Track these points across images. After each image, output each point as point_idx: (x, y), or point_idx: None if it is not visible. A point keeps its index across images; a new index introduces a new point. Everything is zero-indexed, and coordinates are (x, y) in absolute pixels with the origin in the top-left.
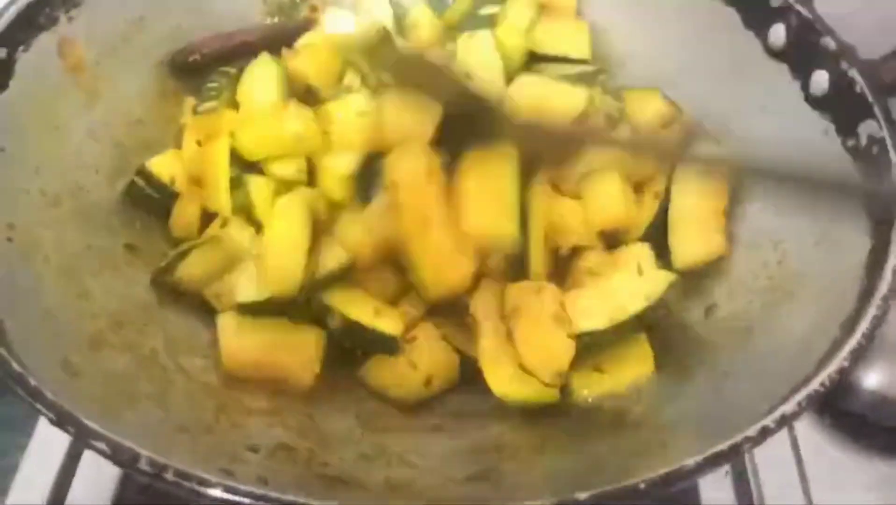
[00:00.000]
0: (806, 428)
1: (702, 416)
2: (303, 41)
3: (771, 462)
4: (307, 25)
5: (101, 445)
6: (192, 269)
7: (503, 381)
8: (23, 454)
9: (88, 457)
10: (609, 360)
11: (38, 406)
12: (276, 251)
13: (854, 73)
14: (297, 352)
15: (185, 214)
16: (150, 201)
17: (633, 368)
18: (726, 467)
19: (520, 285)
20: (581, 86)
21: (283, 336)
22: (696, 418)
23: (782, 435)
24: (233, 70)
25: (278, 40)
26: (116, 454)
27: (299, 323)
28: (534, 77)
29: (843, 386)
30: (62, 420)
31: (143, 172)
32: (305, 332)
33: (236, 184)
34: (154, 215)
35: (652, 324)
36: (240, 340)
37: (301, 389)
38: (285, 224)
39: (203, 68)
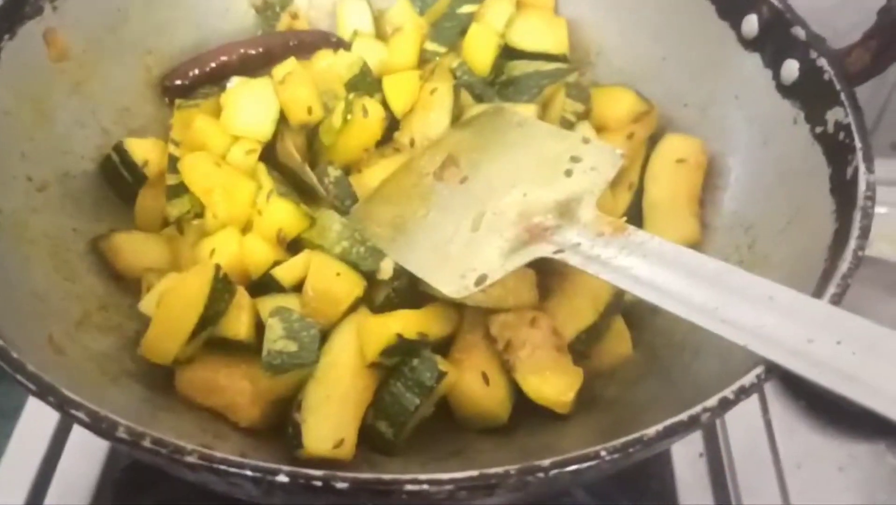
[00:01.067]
0: (779, 410)
1: (671, 393)
2: (281, 70)
3: (745, 443)
4: (287, 40)
5: (81, 415)
6: (132, 247)
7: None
8: (7, 442)
9: (72, 445)
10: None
11: (20, 378)
12: (160, 324)
13: (823, 62)
14: (237, 392)
15: (147, 205)
16: (121, 182)
17: (612, 351)
18: (701, 449)
19: (508, 316)
20: (535, 103)
21: (226, 371)
22: (666, 395)
23: (756, 417)
24: (216, 88)
25: (258, 61)
26: (95, 423)
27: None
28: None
29: None
30: (43, 391)
31: (118, 148)
32: (242, 378)
33: (176, 192)
34: (125, 201)
35: (626, 308)
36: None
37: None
38: (183, 296)
39: (189, 90)
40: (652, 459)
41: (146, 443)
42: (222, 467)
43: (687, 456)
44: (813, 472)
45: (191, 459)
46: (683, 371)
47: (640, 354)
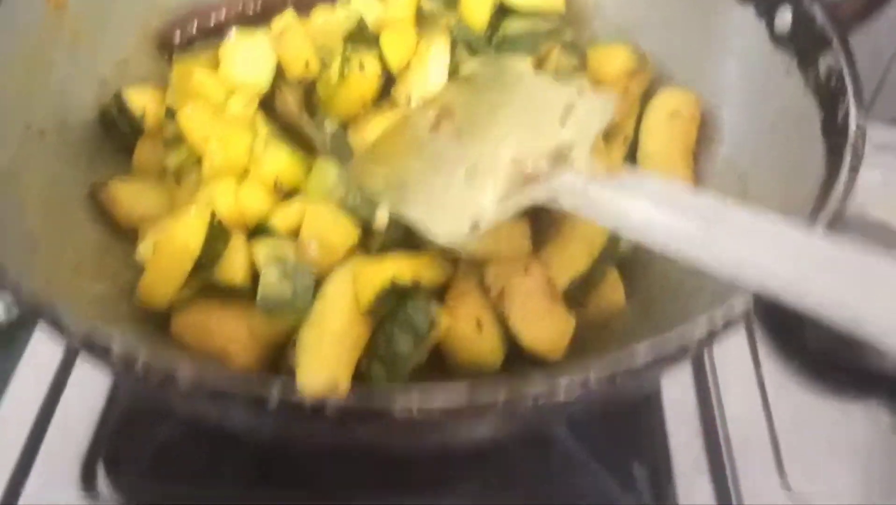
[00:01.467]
0: (772, 369)
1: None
2: (279, 23)
3: (738, 404)
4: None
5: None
6: (130, 196)
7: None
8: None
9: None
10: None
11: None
12: (156, 269)
13: (815, 9)
14: (232, 337)
15: (144, 155)
16: (119, 133)
17: (606, 300)
18: (693, 407)
19: (501, 265)
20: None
21: (220, 314)
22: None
23: (750, 377)
24: (215, 42)
25: (257, 15)
26: (88, 343)
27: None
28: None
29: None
30: (39, 310)
31: (117, 98)
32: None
33: (174, 142)
34: (123, 151)
35: (621, 260)
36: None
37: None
38: (179, 241)
39: (188, 43)
40: (644, 415)
41: (139, 365)
42: (215, 391)
43: (680, 414)
44: (806, 430)
45: (183, 377)
46: (681, 315)
47: (634, 307)
